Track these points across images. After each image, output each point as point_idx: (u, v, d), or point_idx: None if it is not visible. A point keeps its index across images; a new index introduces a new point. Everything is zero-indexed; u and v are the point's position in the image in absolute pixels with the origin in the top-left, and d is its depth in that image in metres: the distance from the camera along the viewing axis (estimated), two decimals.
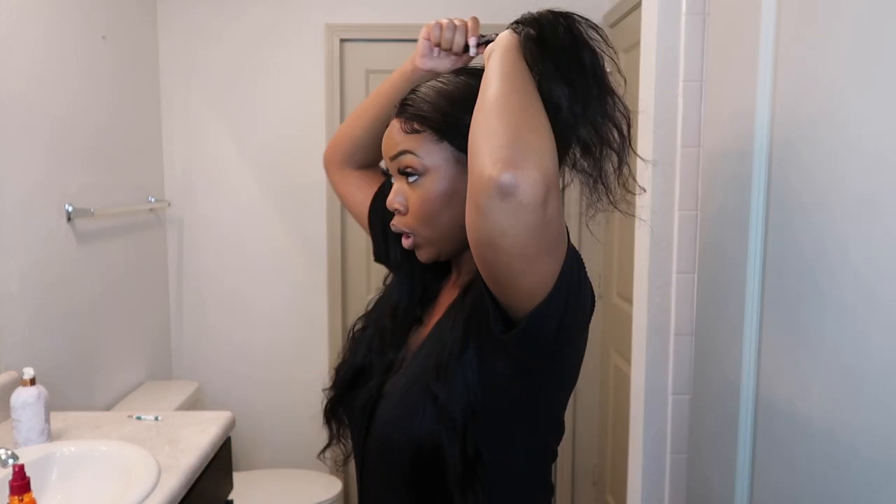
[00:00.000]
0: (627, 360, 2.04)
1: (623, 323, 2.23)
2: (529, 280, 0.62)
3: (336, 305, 2.61)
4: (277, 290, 2.61)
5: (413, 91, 0.79)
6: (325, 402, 0.90)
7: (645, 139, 1.63)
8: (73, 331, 1.89)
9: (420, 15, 2.46)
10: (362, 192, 0.96)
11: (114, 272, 2.13)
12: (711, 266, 1.26)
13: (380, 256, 0.95)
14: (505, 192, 0.56)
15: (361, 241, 2.61)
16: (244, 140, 2.54)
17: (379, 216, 0.92)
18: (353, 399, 0.86)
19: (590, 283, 0.72)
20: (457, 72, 0.81)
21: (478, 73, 0.76)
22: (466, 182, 0.65)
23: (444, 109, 0.75)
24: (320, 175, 2.54)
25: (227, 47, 2.50)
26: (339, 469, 0.93)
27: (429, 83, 0.79)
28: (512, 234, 0.58)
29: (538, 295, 0.63)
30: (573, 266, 0.66)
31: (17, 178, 1.65)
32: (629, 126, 0.72)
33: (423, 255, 0.81)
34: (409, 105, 0.78)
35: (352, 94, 2.55)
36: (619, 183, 0.72)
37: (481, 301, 0.69)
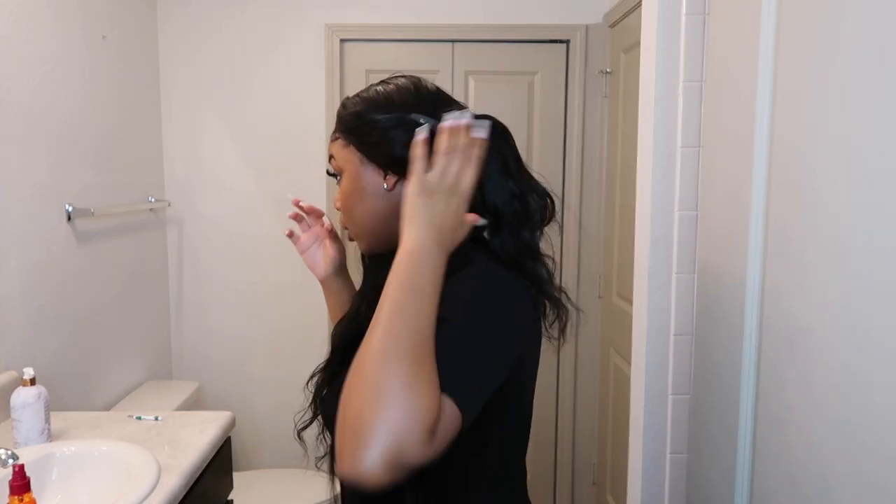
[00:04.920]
0: (627, 360, 2.04)
1: (623, 323, 2.23)
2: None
3: None
4: (277, 290, 2.61)
5: (341, 103, 0.90)
6: (313, 383, 0.94)
7: (645, 139, 1.63)
8: (73, 331, 1.89)
9: (420, 15, 2.46)
10: None
11: (114, 272, 2.13)
12: (711, 266, 1.26)
13: None
14: (355, 481, 0.57)
15: None
16: (244, 140, 2.54)
17: None
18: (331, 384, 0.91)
19: (519, 306, 0.77)
20: (380, 82, 0.89)
21: (388, 81, 0.86)
22: (370, 179, 0.84)
23: (348, 116, 0.87)
24: (320, 174, 2.56)
25: (227, 47, 2.50)
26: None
27: (352, 95, 0.90)
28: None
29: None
30: (478, 387, 0.69)
31: (17, 178, 1.65)
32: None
33: (361, 247, 0.92)
34: (337, 115, 0.90)
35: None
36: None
37: None
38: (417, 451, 0.58)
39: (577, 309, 0.88)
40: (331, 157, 0.89)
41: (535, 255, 0.83)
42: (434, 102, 0.84)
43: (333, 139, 0.89)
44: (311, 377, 0.95)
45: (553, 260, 0.85)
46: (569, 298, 0.86)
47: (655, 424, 1.65)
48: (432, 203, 0.72)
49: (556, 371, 2.68)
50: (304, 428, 0.95)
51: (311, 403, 0.94)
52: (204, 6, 2.48)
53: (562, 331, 0.86)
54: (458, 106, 0.85)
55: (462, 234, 0.74)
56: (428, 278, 0.68)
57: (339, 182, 0.89)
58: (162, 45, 2.49)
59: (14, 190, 1.64)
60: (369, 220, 0.86)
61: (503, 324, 0.75)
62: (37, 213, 1.73)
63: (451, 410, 0.64)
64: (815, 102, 0.92)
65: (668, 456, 1.64)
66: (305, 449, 0.96)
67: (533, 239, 0.82)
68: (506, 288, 0.77)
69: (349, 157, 0.86)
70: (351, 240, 0.92)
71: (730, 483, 1.15)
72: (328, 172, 0.92)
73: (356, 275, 1.03)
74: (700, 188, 1.52)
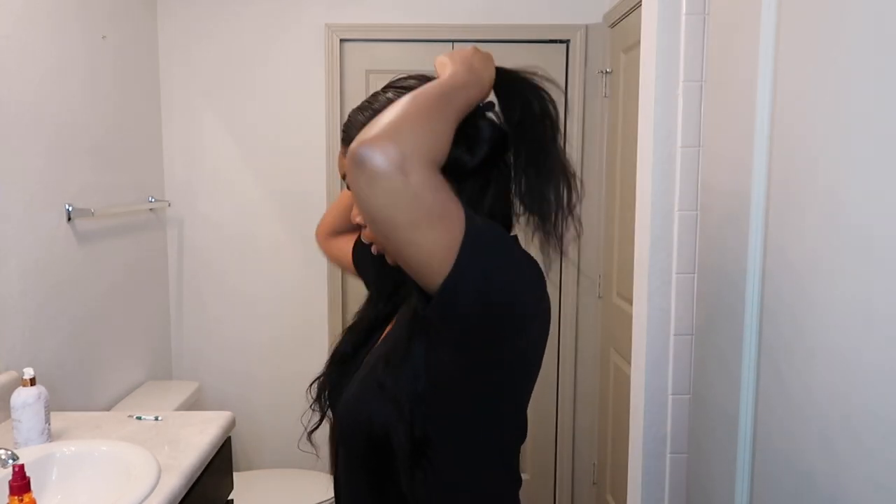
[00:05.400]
0: (627, 360, 2.05)
1: (623, 323, 2.23)
2: (417, 251, 0.67)
3: (336, 305, 2.61)
4: (277, 289, 2.61)
5: (347, 118, 0.87)
6: (315, 387, 0.96)
7: (645, 139, 1.63)
8: (73, 331, 1.89)
9: (420, 15, 2.46)
10: (346, 246, 1.15)
11: (114, 272, 2.13)
12: (711, 266, 1.26)
13: (367, 283, 1.07)
14: (358, 162, 0.63)
15: None
16: (244, 140, 2.54)
17: (358, 255, 1.10)
18: (332, 385, 0.93)
19: (534, 274, 0.77)
20: (384, 88, 0.87)
21: (401, 89, 0.85)
22: None
23: None
24: (320, 174, 2.57)
25: (226, 47, 2.50)
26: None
27: (358, 107, 0.87)
28: (377, 203, 0.64)
29: (438, 267, 0.67)
30: (483, 243, 0.70)
31: (17, 178, 1.65)
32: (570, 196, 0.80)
33: (390, 259, 0.88)
34: (344, 132, 0.86)
35: (352, 94, 2.55)
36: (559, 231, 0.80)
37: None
38: (419, 168, 0.65)
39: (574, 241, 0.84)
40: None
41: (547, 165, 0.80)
42: None
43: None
44: (312, 384, 0.95)
45: (578, 179, 0.81)
46: (578, 223, 0.82)
47: (655, 424, 1.65)
48: (462, 53, 0.78)
49: (556, 371, 2.68)
50: (314, 429, 0.95)
51: (315, 402, 0.94)
52: (204, 6, 2.48)
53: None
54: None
55: (491, 79, 0.79)
56: (462, 96, 0.73)
57: None
58: (162, 45, 2.49)
59: (14, 190, 1.64)
60: None
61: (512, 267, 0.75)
62: (37, 213, 1.73)
63: (457, 207, 0.68)
64: (816, 102, 0.92)
65: (668, 456, 1.64)
66: (316, 451, 0.96)
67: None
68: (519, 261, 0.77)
69: None
70: (378, 253, 0.89)
71: (730, 483, 1.15)
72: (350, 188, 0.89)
73: (360, 287, 1.06)
74: (700, 188, 1.52)
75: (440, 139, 0.69)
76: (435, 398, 0.76)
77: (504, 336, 0.75)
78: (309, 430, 0.96)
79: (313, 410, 0.95)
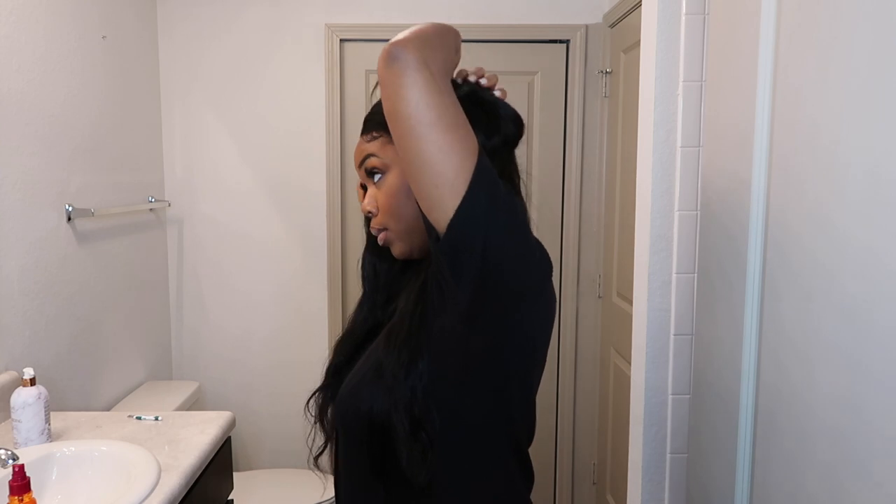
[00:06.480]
0: (627, 360, 2.05)
1: (623, 323, 2.23)
2: (436, 153, 0.69)
3: (336, 306, 2.61)
4: (278, 289, 2.61)
5: (373, 108, 0.88)
6: (314, 403, 0.94)
7: (645, 139, 1.64)
8: (73, 331, 1.89)
9: (420, 15, 2.46)
10: None
11: (114, 272, 2.13)
12: (711, 266, 1.26)
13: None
14: (392, 57, 0.70)
15: (361, 242, 2.60)
16: (244, 140, 2.55)
17: (365, 259, 1.04)
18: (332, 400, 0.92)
19: (541, 253, 0.78)
20: None
21: None
22: None
23: None
24: (320, 175, 2.57)
25: (227, 47, 2.50)
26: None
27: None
28: (406, 95, 0.69)
29: (453, 178, 0.69)
30: (494, 183, 0.72)
31: (17, 177, 1.65)
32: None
33: (397, 251, 0.88)
34: (368, 120, 0.87)
35: (352, 94, 2.55)
36: None
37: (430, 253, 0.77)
38: (443, 73, 0.73)
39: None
40: (368, 156, 0.85)
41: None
42: (470, 83, 0.87)
43: (371, 138, 0.85)
44: (309, 400, 0.94)
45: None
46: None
47: (655, 424, 1.65)
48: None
49: (556, 370, 2.68)
50: (320, 453, 0.94)
51: (317, 421, 0.93)
52: (204, 6, 2.48)
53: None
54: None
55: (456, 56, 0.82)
56: (452, 35, 0.79)
57: (377, 182, 0.85)
58: (162, 45, 2.49)
59: (14, 190, 1.64)
60: (418, 217, 0.78)
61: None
62: (37, 214, 1.73)
63: (471, 129, 0.72)
64: (815, 102, 0.92)
65: (668, 456, 1.64)
66: (322, 475, 0.95)
67: None
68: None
69: (396, 153, 0.79)
70: (385, 245, 0.88)
71: (730, 483, 1.15)
72: (369, 172, 0.86)
73: (356, 285, 1.03)
74: (700, 188, 1.52)
75: (450, 59, 0.76)
76: (437, 377, 0.76)
77: (507, 306, 0.74)
78: (315, 454, 0.94)
79: (314, 426, 0.93)
